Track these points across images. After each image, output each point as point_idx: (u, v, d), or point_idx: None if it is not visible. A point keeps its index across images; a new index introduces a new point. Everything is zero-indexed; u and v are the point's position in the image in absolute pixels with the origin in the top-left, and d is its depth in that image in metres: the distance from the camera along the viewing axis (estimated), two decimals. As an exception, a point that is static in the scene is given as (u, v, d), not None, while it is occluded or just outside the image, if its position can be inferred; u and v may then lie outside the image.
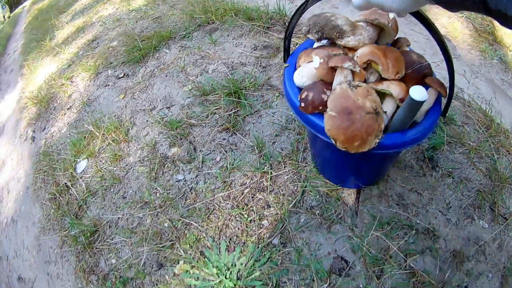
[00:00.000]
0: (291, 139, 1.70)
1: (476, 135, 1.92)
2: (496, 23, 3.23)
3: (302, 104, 0.99)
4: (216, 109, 1.88)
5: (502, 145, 1.92)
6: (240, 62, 2.09)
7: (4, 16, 9.36)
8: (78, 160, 2.25)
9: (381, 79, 1.01)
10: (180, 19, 2.57)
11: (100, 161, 2.15)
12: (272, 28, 2.26)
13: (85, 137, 2.29)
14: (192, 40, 2.37)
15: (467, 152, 1.76)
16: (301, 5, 1.00)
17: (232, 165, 1.71)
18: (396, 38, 1.16)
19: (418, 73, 1.01)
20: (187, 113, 1.95)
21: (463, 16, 2.98)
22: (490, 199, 1.55)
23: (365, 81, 1.00)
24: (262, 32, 2.24)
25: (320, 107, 0.96)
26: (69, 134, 2.47)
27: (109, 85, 2.48)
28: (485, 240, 1.41)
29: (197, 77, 2.10)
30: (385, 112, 0.97)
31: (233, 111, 1.84)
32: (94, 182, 2.07)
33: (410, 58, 1.04)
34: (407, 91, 0.90)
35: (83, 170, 2.19)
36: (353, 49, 1.06)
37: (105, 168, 2.08)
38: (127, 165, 2.03)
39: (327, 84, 0.99)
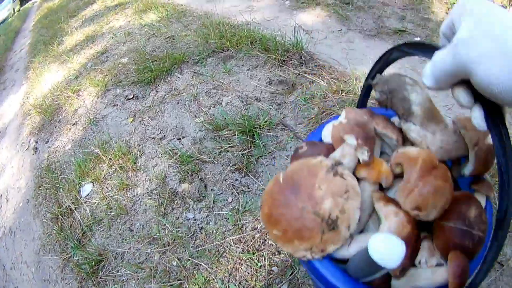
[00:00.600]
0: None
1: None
2: None
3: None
4: (229, 147, 1.84)
5: None
6: (255, 96, 2.05)
7: (14, 9, 9.28)
8: (83, 183, 2.20)
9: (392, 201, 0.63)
10: (194, 41, 2.52)
11: (106, 187, 2.10)
12: (288, 61, 2.22)
13: (91, 159, 2.24)
14: (206, 67, 2.32)
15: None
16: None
17: (244, 208, 1.67)
18: (480, 175, 0.69)
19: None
20: (198, 148, 1.91)
21: None
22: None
23: (381, 187, 0.66)
24: (277, 65, 2.19)
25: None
26: (74, 153, 2.42)
27: (117, 105, 2.43)
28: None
29: (210, 108, 2.06)
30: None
31: (247, 150, 1.80)
32: (99, 209, 2.03)
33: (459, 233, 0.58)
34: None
35: (88, 194, 2.15)
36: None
37: (111, 196, 2.03)
38: (134, 195, 1.98)
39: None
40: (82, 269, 1.78)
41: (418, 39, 3.02)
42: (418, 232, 0.59)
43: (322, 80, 2.10)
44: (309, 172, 0.60)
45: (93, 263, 1.78)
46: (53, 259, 1.95)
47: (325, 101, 2.00)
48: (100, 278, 1.77)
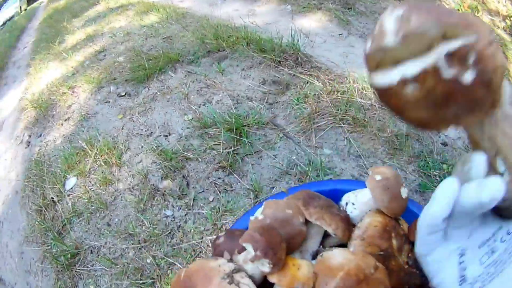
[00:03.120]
0: (290, 186, 1.59)
1: None
2: (509, 67, 3.13)
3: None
4: (215, 144, 1.77)
5: None
6: (246, 96, 1.99)
7: (20, 8, 9.39)
8: (68, 176, 2.15)
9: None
10: (191, 42, 2.49)
11: (90, 181, 2.04)
12: (284, 62, 2.17)
13: (77, 153, 2.19)
14: (200, 66, 2.28)
15: None
16: None
17: (225, 207, 1.59)
18: None
19: None
20: (184, 144, 1.85)
21: None
22: None
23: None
24: (272, 66, 2.14)
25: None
26: (63, 147, 2.37)
27: (109, 101, 2.39)
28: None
29: (199, 106, 2.00)
30: None
31: (233, 148, 1.73)
32: (80, 202, 1.97)
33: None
34: None
35: (71, 188, 2.09)
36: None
37: (93, 190, 1.97)
38: (116, 191, 1.92)
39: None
40: (59, 261, 1.71)
41: None
42: None
43: (318, 81, 2.05)
44: (205, 276, 0.53)
45: (69, 256, 1.72)
46: (34, 251, 1.90)
47: (319, 102, 1.94)
48: (75, 271, 1.71)
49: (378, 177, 0.62)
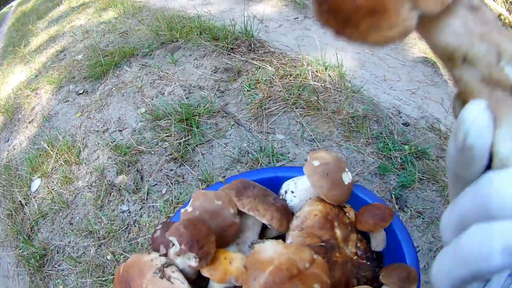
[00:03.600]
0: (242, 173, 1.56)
1: None
2: None
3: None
4: (166, 136, 1.73)
5: None
6: (198, 85, 1.94)
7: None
8: (33, 178, 2.11)
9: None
10: (145, 35, 2.42)
11: (52, 182, 2.00)
12: (236, 49, 2.11)
13: (40, 154, 2.15)
14: (154, 59, 2.21)
15: (441, 190, 1.61)
16: None
17: (178, 199, 1.56)
18: None
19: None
20: (137, 138, 1.80)
21: None
22: None
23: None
24: (225, 54, 2.09)
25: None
26: (28, 149, 2.32)
27: (69, 101, 2.32)
28: None
29: (152, 99, 1.95)
30: None
31: (184, 139, 1.69)
32: (45, 203, 1.94)
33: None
34: None
35: (36, 189, 2.06)
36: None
37: (55, 190, 1.94)
38: (76, 189, 1.88)
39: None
40: (31, 264, 1.69)
41: None
42: None
43: (270, 66, 2.00)
44: (139, 270, 0.52)
45: (38, 258, 1.69)
46: (10, 255, 1.88)
47: (271, 87, 1.89)
48: (46, 272, 1.69)
49: (316, 163, 0.56)
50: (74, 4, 3.59)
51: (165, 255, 0.56)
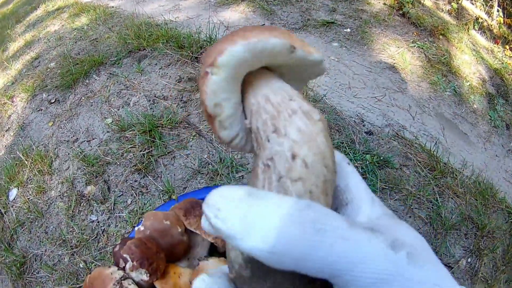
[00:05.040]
0: (202, 185, 1.53)
1: (417, 178, 1.71)
2: (453, 52, 2.92)
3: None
4: (131, 147, 1.68)
5: (448, 186, 1.72)
6: (162, 95, 1.88)
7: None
8: (10, 187, 2.04)
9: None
10: (115, 43, 2.31)
11: (28, 191, 1.94)
12: (201, 58, 2.04)
13: (16, 164, 2.07)
14: (121, 67, 2.12)
15: (404, 198, 1.60)
16: None
17: (142, 210, 1.53)
18: None
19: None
20: (104, 149, 1.75)
21: (415, 46, 2.75)
22: (431, 249, 1.42)
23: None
24: (189, 63, 2.01)
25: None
26: (5, 158, 2.23)
27: (42, 109, 2.23)
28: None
29: (118, 109, 1.88)
30: None
31: (147, 150, 1.65)
32: (22, 212, 1.88)
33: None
34: None
35: (14, 198, 1.99)
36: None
37: (31, 200, 1.88)
38: (49, 199, 1.83)
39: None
40: (12, 271, 1.65)
41: (348, 30, 2.85)
42: None
43: None
44: (102, 282, 0.56)
45: (19, 265, 1.65)
46: None
47: None
48: (26, 279, 1.65)
49: None
50: (50, 9, 3.42)
51: (124, 268, 0.59)
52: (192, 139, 1.67)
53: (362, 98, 2.17)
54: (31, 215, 1.82)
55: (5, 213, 1.95)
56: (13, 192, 2.02)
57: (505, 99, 2.74)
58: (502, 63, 3.14)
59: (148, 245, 0.57)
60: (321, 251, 0.19)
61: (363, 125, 1.94)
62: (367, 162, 1.67)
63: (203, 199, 0.69)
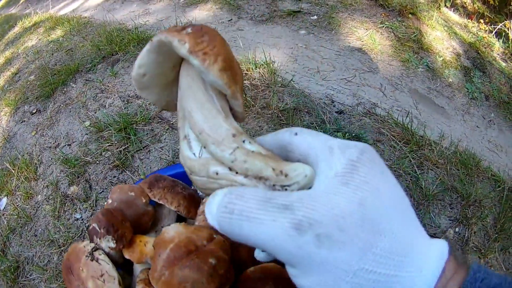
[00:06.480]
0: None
1: (392, 152, 1.67)
2: (424, 29, 2.80)
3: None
4: (108, 145, 1.69)
5: (426, 158, 1.67)
6: (136, 95, 1.88)
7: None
8: (0, 197, 2.04)
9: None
10: (89, 51, 2.30)
11: (16, 198, 1.93)
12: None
13: (5, 174, 2.07)
14: (96, 73, 2.12)
15: None
16: None
17: (122, 202, 1.54)
18: None
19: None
20: (84, 150, 1.75)
21: (383, 26, 2.66)
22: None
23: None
24: (159, 62, 2.02)
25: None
26: (-6, 170, 2.23)
27: (25, 121, 2.22)
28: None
29: (95, 112, 1.88)
30: None
31: (123, 147, 1.65)
32: (12, 219, 1.87)
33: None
34: None
35: (4, 207, 1.99)
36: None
37: (19, 206, 1.87)
38: (36, 203, 1.82)
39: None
40: (7, 276, 1.63)
41: (315, 17, 2.82)
42: None
43: None
44: (76, 256, 0.57)
45: (13, 270, 1.63)
46: None
47: None
48: (21, 283, 1.63)
49: None
50: (27, 25, 3.38)
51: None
52: (165, 132, 1.68)
53: (331, 81, 2.13)
54: (21, 220, 1.81)
55: (-3, 221, 1.96)
56: (3, 201, 2.02)
57: (482, 71, 2.63)
58: (477, 37, 2.99)
59: (114, 214, 0.58)
60: (236, 229, 0.22)
61: (333, 106, 1.90)
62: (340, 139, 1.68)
63: (170, 175, 0.73)
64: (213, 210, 0.23)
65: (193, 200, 0.64)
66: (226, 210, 0.22)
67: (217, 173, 0.26)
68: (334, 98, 1.95)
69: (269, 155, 0.25)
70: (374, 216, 0.20)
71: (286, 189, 0.23)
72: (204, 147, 0.27)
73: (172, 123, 1.72)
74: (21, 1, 4.55)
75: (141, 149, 1.64)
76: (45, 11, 3.52)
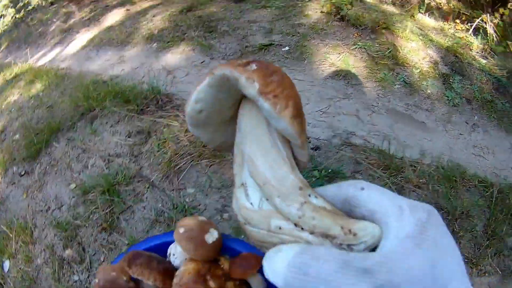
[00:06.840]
0: (161, 233, 1.64)
1: (371, 181, 1.59)
2: (399, 43, 2.65)
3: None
4: (95, 208, 1.77)
5: (407, 181, 1.67)
6: (116, 153, 1.96)
7: None
8: (4, 260, 2.12)
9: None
10: (68, 107, 2.37)
11: (18, 261, 2.01)
12: (146, 109, 2.11)
13: (3, 237, 2.16)
14: (77, 131, 2.19)
15: None
16: None
17: (114, 264, 1.63)
18: None
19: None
20: (73, 214, 1.84)
21: (356, 47, 2.62)
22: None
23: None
24: (136, 116, 2.09)
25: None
26: (-6, 232, 2.31)
27: (15, 183, 2.29)
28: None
29: (79, 173, 1.97)
30: None
31: (109, 209, 1.74)
32: (17, 282, 1.96)
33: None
34: None
35: (8, 270, 2.08)
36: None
37: (22, 269, 1.96)
38: (37, 266, 1.91)
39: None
40: None
41: (286, 48, 2.74)
42: None
43: (177, 121, 2.00)
44: None
45: None
46: None
47: (178, 143, 1.91)
48: None
49: (181, 230, 0.61)
50: (8, 77, 3.42)
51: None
52: (147, 191, 1.77)
53: (306, 115, 2.18)
54: (25, 283, 1.90)
55: (4, 283, 2.04)
56: (7, 264, 2.10)
57: (461, 75, 2.58)
58: (454, 38, 2.95)
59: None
60: None
61: (309, 142, 1.91)
62: (315, 179, 1.65)
63: (145, 249, 0.82)
64: (278, 268, 0.22)
65: (167, 273, 0.74)
66: (299, 271, 0.22)
67: (280, 228, 0.25)
68: (309, 134, 1.93)
69: (335, 211, 0.25)
70: (444, 276, 0.22)
71: (352, 249, 0.23)
72: (267, 199, 0.26)
73: (152, 181, 1.80)
74: (1, 48, 4.58)
75: (125, 210, 1.72)
76: (24, 60, 3.56)
